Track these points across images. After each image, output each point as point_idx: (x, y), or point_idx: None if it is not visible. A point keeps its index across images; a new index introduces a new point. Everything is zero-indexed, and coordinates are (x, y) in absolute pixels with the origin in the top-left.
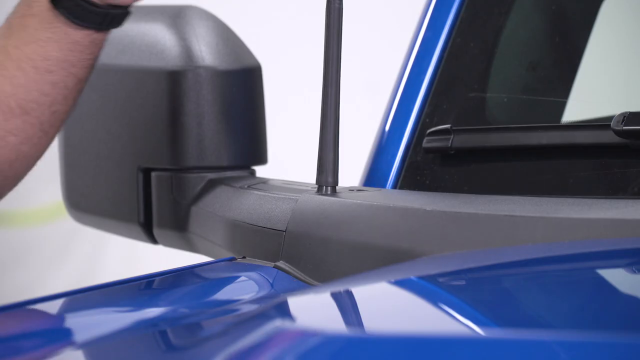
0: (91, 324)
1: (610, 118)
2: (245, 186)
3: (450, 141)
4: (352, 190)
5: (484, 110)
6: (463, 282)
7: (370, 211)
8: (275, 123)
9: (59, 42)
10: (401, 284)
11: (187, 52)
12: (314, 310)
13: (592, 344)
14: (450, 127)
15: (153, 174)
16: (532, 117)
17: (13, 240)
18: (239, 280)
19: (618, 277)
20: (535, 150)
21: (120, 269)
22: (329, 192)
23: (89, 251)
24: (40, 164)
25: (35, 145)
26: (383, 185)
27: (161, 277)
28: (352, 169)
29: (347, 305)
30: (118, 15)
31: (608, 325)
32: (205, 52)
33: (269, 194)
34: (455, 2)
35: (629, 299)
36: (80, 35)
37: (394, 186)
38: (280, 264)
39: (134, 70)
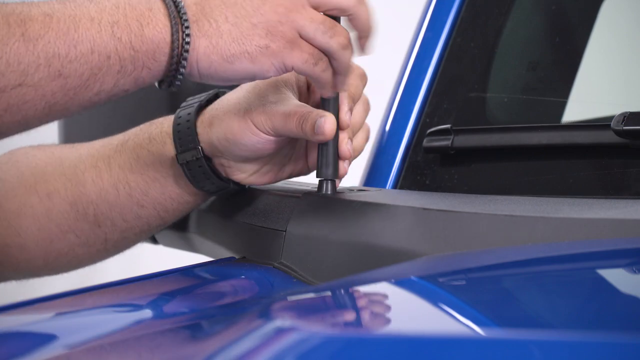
0: (91, 324)
1: (610, 118)
2: (246, 186)
3: (450, 141)
4: (352, 190)
5: (484, 110)
6: (463, 282)
7: (370, 211)
8: None
9: (164, 187)
10: (401, 284)
11: None
12: (314, 310)
13: (592, 344)
14: (450, 127)
15: None
16: (532, 117)
17: None
18: (239, 280)
19: (618, 277)
20: (535, 150)
21: (120, 269)
22: (329, 192)
23: None
24: None
25: (91, 254)
26: (383, 185)
27: (161, 277)
28: (352, 169)
29: (347, 305)
30: (234, 188)
31: (608, 325)
32: None
33: (269, 194)
34: (455, 2)
35: (629, 299)
36: (187, 192)
37: (394, 186)
38: (280, 264)
39: None
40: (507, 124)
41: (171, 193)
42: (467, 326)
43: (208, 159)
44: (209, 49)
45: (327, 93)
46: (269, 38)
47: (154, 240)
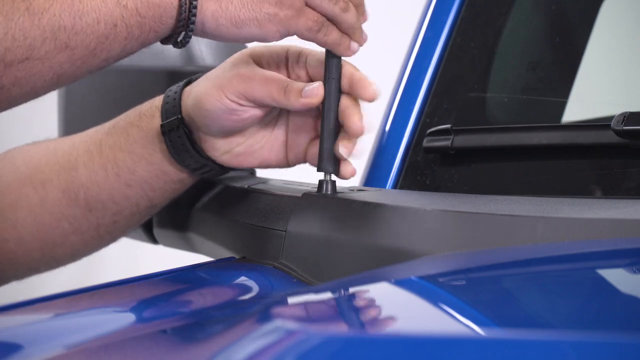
0: (91, 324)
1: (610, 118)
2: (245, 186)
3: (450, 141)
4: (352, 190)
5: (484, 110)
6: (463, 282)
7: (370, 211)
8: None
9: (151, 164)
10: (401, 284)
11: (187, 52)
12: (314, 310)
13: (592, 344)
14: (450, 127)
15: None
16: (532, 117)
17: None
18: (239, 280)
19: (618, 277)
20: (535, 150)
21: (120, 269)
22: (329, 192)
23: None
24: None
25: (86, 241)
26: (383, 185)
27: (161, 277)
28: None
29: (347, 305)
30: (215, 169)
31: (608, 325)
32: (205, 52)
33: (269, 194)
34: (455, 2)
35: (629, 299)
36: (172, 169)
37: (394, 186)
38: (280, 264)
39: (134, 70)
40: (507, 124)
41: (157, 171)
42: (467, 326)
43: (191, 132)
44: (217, 12)
45: (346, 53)
46: (278, 6)
47: (154, 240)
